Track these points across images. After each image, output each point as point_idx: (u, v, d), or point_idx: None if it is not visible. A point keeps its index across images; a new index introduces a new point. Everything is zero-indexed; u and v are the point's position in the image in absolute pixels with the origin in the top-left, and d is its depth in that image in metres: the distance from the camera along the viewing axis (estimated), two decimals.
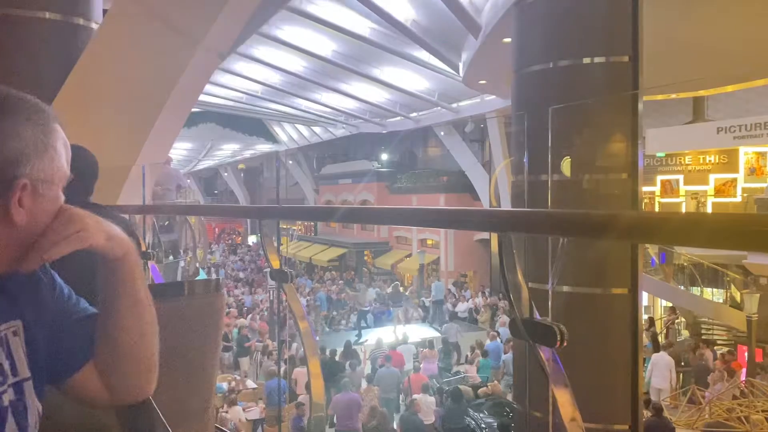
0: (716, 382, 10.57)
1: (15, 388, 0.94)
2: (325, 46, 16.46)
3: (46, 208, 0.94)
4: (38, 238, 0.93)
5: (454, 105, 20.96)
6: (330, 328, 18.67)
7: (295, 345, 12.09)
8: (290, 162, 37.46)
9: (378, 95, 21.74)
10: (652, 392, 10.98)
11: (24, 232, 0.91)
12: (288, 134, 34.69)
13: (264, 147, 36.41)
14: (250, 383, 13.10)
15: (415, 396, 10.61)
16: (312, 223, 35.13)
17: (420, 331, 16.93)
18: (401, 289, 23.18)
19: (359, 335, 17.41)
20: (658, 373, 11.15)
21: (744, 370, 11.82)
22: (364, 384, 11.94)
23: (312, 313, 19.11)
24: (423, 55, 15.29)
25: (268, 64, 18.59)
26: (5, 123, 0.89)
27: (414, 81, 19.00)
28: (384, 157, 30.56)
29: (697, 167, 17.06)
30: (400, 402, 12.35)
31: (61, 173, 0.96)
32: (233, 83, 21.89)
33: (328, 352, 13.04)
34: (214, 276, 22.99)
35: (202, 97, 21.82)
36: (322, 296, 20.64)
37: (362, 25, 14.33)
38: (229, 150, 37.67)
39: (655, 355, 11.42)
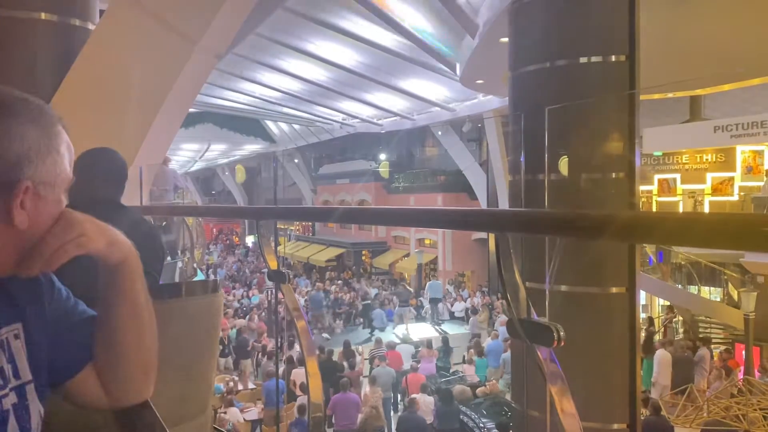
0: (714, 381, 10.61)
1: (17, 392, 0.93)
2: (347, 56, 16.67)
3: (47, 211, 0.93)
4: (38, 243, 0.92)
5: (452, 105, 20.99)
6: (330, 333, 18.64)
7: (295, 345, 12.08)
8: (287, 162, 37.46)
9: (396, 103, 22.06)
10: (657, 388, 11.06)
11: (25, 235, 0.91)
12: (286, 134, 34.69)
13: (262, 147, 36.40)
14: (252, 385, 13.11)
15: (414, 395, 10.61)
16: (310, 223, 35.11)
17: (419, 331, 16.95)
18: (408, 287, 23.15)
19: (372, 332, 17.37)
20: (663, 370, 11.25)
21: (741, 368, 11.85)
22: (364, 385, 11.94)
23: (309, 313, 19.15)
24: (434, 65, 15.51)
25: (284, 71, 18.84)
26: (9, 124, 0.88)
27: (431, 89, 19.23)
28: (382, 156, 30.58)
29: (695, 166, 17.08)
30: (399, 402, 12.37)
31: (63, 176, 0.96)
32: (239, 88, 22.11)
33: (326, 352, 13.03)
34: (212, 276, 22.98)
35: (200, 98, 21.94)
36: (319, 295, 20.58)
37: (386, 37, 14.49)
38: (226, 150, 37.66)
39: (658, 352, 11.50)
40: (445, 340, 15.25)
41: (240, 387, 12.69)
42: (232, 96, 23.40)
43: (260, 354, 14.52)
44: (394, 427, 11.31)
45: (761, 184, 15.42)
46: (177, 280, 8.29)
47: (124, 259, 1.00)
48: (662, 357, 11.41)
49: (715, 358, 11.91)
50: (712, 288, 15.97)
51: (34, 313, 0.99)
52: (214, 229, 46.33)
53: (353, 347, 13.97)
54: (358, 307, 20.52)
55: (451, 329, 17.97)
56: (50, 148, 0.93)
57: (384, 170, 28.63)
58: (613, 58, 5.61)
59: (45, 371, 0.99)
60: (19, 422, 0.92)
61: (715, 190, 16.66)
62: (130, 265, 1.01)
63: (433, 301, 19.84)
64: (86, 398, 1.04)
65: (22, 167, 0.89)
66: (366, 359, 13.97)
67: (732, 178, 16.49)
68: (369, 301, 20.00)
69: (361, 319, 19.72)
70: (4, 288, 0.95)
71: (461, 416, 10.10)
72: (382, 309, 19.56)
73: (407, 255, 27.47)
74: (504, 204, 17.67)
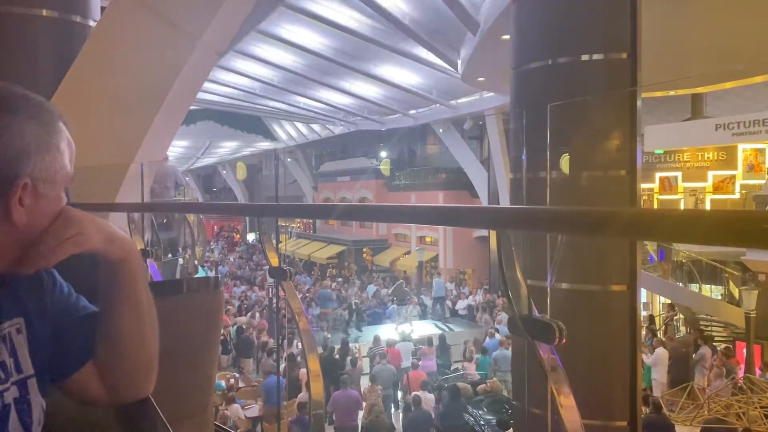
0: (715, 379, 10.63)
1: (19, 386, 0.94)
2: (323, 42, 16.42)
3: (46, 209, 0.93)
4: (37, 241, 0.92)
5: (453, 102, 20.98)
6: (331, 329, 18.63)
7: (295, 342, 12.09)
8: (289, 159, 37.46)
9: (375, 92, 21.74)
10: (654, 386, 11.13)
11: (23, 232, 0.90)
12: (287, 132, 34.68)
13: (262, 144, 36.39)
14: (253, 382, 13.13)
15: (416, 393, 10.62)
16: (310, 221, 35.13)
17: (419, 328, 16.96)
18: (406, 287, 23.13)
19: (347, 333, 17.36)
20: (660, 368, 11.34)
21: (742, 366, 11.86)
22: (365, 382, 11.94)
23: (316, 309, 19.18)
24: (421, 51, 15.30)
25: (265, 61, 18.58)
26: (8, 121, 0.88)
27: (411, 78, 18.99)
28: (383, 154, 30.57)
29: (696, 164, 17.08)
30: (399, 399, 12.38)
31: (63, 173, 0.95)
32: (231, 80, 21.91)
33: (326, 350, 13.05)
34: (213, 274, 22.99)
35: (200, 95, 21.87)
36: (326, 292, 20.62)
37: (360, 21, 14.32)
38: (227, 147, 37.66)
39: (656, 351, 11.57)
40: (442, 337, 15.25)
41: (241, 384, 12.71)
42: (212, 87, 23.06)
43: (260, 351, 14.55)
44: (395, 424, 11.31)
45: (762, 182, 15.42)
46: (178, 276, 8.28)
47: (124, 257, 1.00)
48: (660, 355, 11.49)
49: (716, 357, 11.93)
50: (713, 286, 15.97)
51: (36, 308, 0.99)
52: (215, 227, 46.37)
53: (351, 345, 13.98)
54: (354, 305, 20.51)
55: (454, 327, 17.95)
56: (50, 145, 0.92)
57: (385, 167, 28.64)
58: (615, 55, 5.60)
59: (47, 366, 0.99)
60: (20, 416, 0.93)
61: (717, 188, 16.67)
62: (131, 262, 1.01)
63: (437, 300, 19.88)
64: (87, 395, 1.04)
65: (21, 164, 0.88)
66: (364, 357, 13.97)
67: (733, 176, 16.50)
68: (355, 302, 20.07)
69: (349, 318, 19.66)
70: (6, 283, 0.95)
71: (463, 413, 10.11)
72: (385, 306, 19.61)
73: (408, 252, 27.47)
74: (505, 202, 17.68)
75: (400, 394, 12.49)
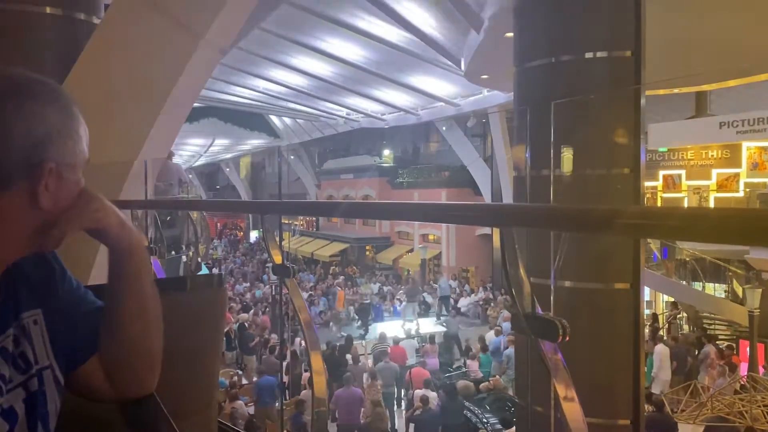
0: (718, 377, 10.62)
1: (37, 377, 0.95)
2: (353, 52, 16.68)
3: (68, 192, 0.94)
4: (59, 217, 0.94)
5: (456, 100, 20.96)
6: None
7: (297, 340, 12.10)
8: (292, 157, 37.46)
9: (394, 97, 22.05)
10: (658, 384, 11.13)
11: (48, 215, 0.92)
12: (290, 129, 34.68)
13: (266, 142, 36.40)
14: (255, 379, 13.15)
15: (418, 391, 10.61)
16: (314, 219, 35.13)
17: (422, 326, 16.97)
18: (410, 283, 23.16)
19: (366, 330, 17.39)
20: (663, 365, 11.36)
21: (745, 364, 11.84)
22: (366, 379, 11.96)
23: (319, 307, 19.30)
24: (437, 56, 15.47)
25: (292, 67, 18.93)
26: (30, 107, 0.89)
27: (430, 82, 19.18)
28: (386, 152, 30.50)
29: (700, 162, 17.04)
30: (402, 397, 12.38)
31: (82, 156, 0.97)
32: (263, 86, 22.31)
33: (329, 347, 13.05)
34: (216, 272, 23.03)
35: (205, 93, 22.08)
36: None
37: (391, 32, 14.45)
38: (229, 144, 37.69)
39: (657, 347, 11.58)
40: (447, 336, 15.25)
41: (244, 381, 12.73)
42: (239, 91, 23.50)
43: (263, 348, 14.57)
44: (397, 421, 11.32)
45: (767, 180, 15.37)
46: (181, 274, 8.28)
47: (133, 246, 1.01)
48: (662, 352, 11.48)
49: (715, 355, 11.92)
50: (716, 284, 15.93)
51: (49, 300, 1.00)
52: (219, 224, 46.38)
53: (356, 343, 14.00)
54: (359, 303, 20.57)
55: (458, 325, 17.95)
56: (70, 130, 0.94)
57: (387, 158, 28.59)
58: (619, 53, 5.59)
59: (60, 358, 1.01)
60: (37, 407, 0.95)
61: (720, 187, 16.63)
62: (138, 253, 1.02)
63: (442, 299, 19.94)
64: (90, 389, 1.05)
65: (46, 149, 0.90)
66: (368, 354, 13.99)
67: (737, 175, 16.45)
68: (367, 301, 20.14)
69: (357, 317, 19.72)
70: (24, 273, 0.97)
71: (465, 411, 10.09)
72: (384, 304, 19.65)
73: (411, 250, 27.46)
74: (508, 200, 17.67)
75: (403, 392, 12.49)
